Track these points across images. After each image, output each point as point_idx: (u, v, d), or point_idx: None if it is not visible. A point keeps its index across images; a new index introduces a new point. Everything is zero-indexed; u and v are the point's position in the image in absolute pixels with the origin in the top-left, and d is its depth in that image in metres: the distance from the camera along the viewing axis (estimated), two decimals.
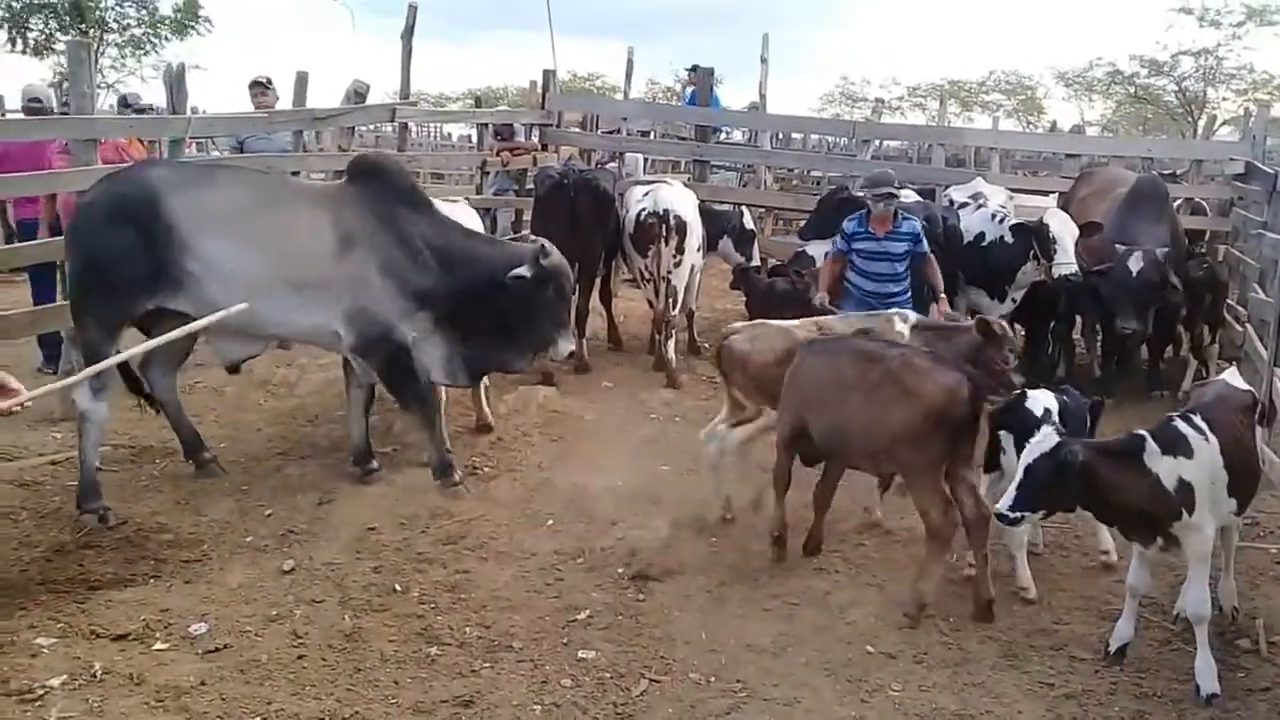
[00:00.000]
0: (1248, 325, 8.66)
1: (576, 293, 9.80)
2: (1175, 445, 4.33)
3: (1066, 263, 8.27)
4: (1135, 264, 8.32)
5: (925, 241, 7.77)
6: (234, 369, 7.05)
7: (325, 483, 6.58)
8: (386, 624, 4.91)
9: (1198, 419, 4.44)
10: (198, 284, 5.97)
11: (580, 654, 4.71)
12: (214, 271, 5.96)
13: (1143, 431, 4.38)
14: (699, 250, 10.02)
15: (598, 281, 10.15)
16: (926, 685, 4.48)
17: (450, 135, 30.23)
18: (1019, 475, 4.35)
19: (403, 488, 6.56)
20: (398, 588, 5.24)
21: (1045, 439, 4.33)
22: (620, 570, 5.58)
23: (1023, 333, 9.90)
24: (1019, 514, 4.35)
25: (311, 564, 5.47)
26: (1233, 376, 5.06)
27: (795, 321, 6.47)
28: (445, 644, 4.75)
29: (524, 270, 6.42)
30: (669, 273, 9.37)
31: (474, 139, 16.66)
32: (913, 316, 6.46)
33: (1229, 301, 9.71)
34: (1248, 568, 5.64)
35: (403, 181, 6.72)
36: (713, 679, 4.54)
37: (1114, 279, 8.39)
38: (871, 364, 5.23)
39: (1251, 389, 4.83)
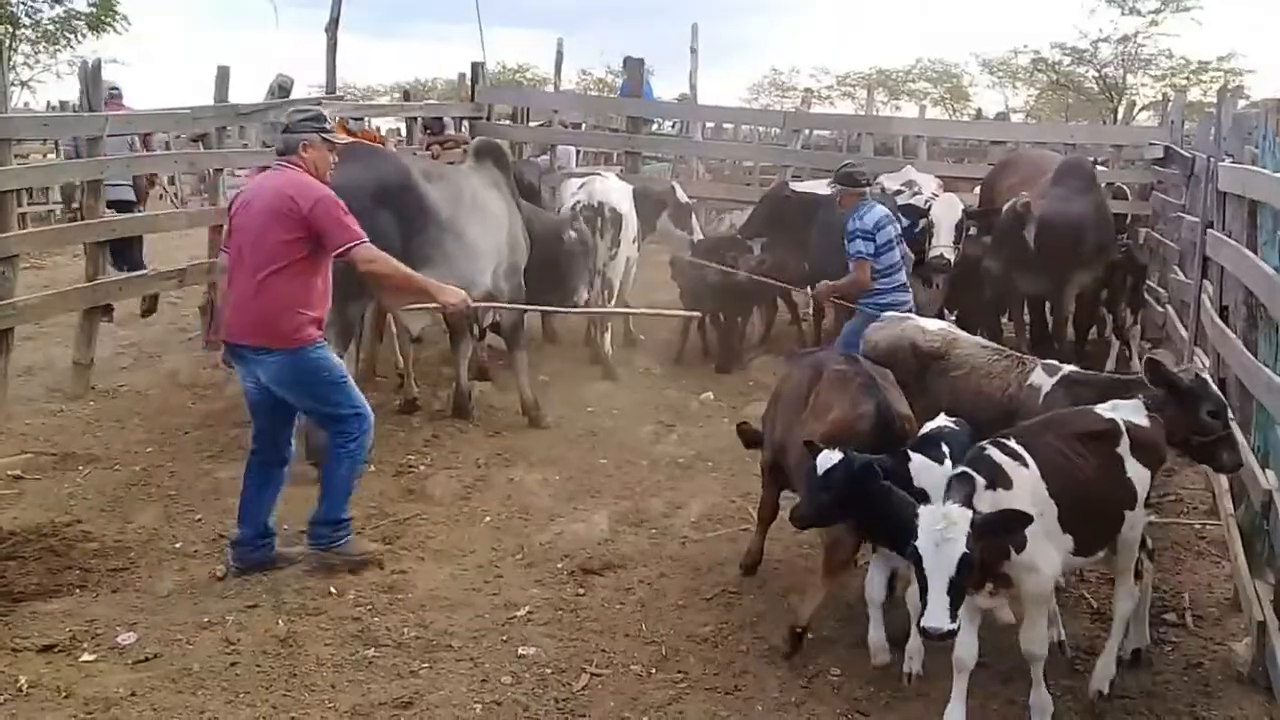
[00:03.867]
0: (1168, 307, 8.89)
1: None
2: (992, 476, 3.81)
3: (940, 245, 8.35)
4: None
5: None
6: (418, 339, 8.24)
7: None
8: (322, 627, 4.83)
9: (1013, 444, 3.97)
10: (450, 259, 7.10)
11: (521, 651, 4.68)
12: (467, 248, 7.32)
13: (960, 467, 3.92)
14: (635, 242, 10.01)
15: None
16: (866, 669, 4.52)
17: (379, 129, 29.82)
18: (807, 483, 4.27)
19: None
20: (333, 590, 5.16)
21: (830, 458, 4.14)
22: (560, 565, 5.56)
23: (953, 319, 10.08)
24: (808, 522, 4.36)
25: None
26: (1114, 407, 4.38)
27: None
28: (383, 645, 4.68)
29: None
30: (604, 266, 9.35)
31: (403, 133, 16.42)
32: (1066, 368, 5.17)
33: (1149, 284, 9.96)
34: (1173, 543, 5.79)
35: (509, 160, 8.67)
36: (654, 671, 4.54)
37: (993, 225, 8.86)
38: (814, 380, 4.98)
39: (1114, 419, 4.22)
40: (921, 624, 3.52)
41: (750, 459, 7.09)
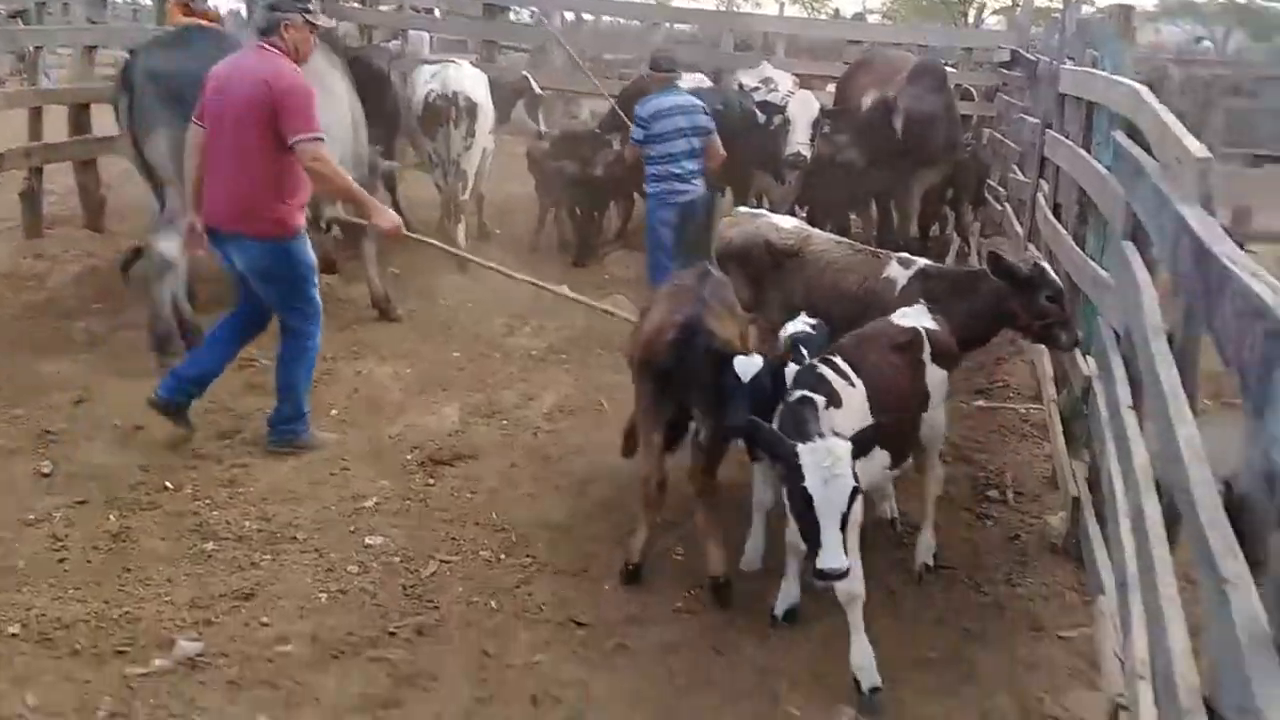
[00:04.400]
0: (1006, 205, 9.23)
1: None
2: (829, 396, 3.73)
3: (797, 142, 8.47)
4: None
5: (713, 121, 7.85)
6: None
7: (83, 380, 6.13)
8: (157, 522, 4.67)
9: (841, 362, 3.94)
10: None
11: (368, 540, 4.63)
12: None
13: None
14: (490, 132, 9.75)
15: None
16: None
17: (217, 9, 27.93)
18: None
19: None
20: (169, 485, 4.98)
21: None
22: (409, 457, 5.49)
23: (804, 215, 10.23)
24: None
25: (71, 465, 5.11)
26: (902, 315, 4.48)
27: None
28: (222, 539, 4.56)
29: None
30: (459, 156, 9.08)
31: (244, 14, 15.41)
32: (920, 262, 5.23)
33: (990, 183, 10.30)
34: (999, 425, 6.11)
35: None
36: (504, 556, 4.57)
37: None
38: (651, 300, 4.83)
39: (915, 327, 4.33)
40: (819, 566, 3.27)
41: (603, 351, 7.15)
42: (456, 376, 6.71)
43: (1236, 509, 2.24)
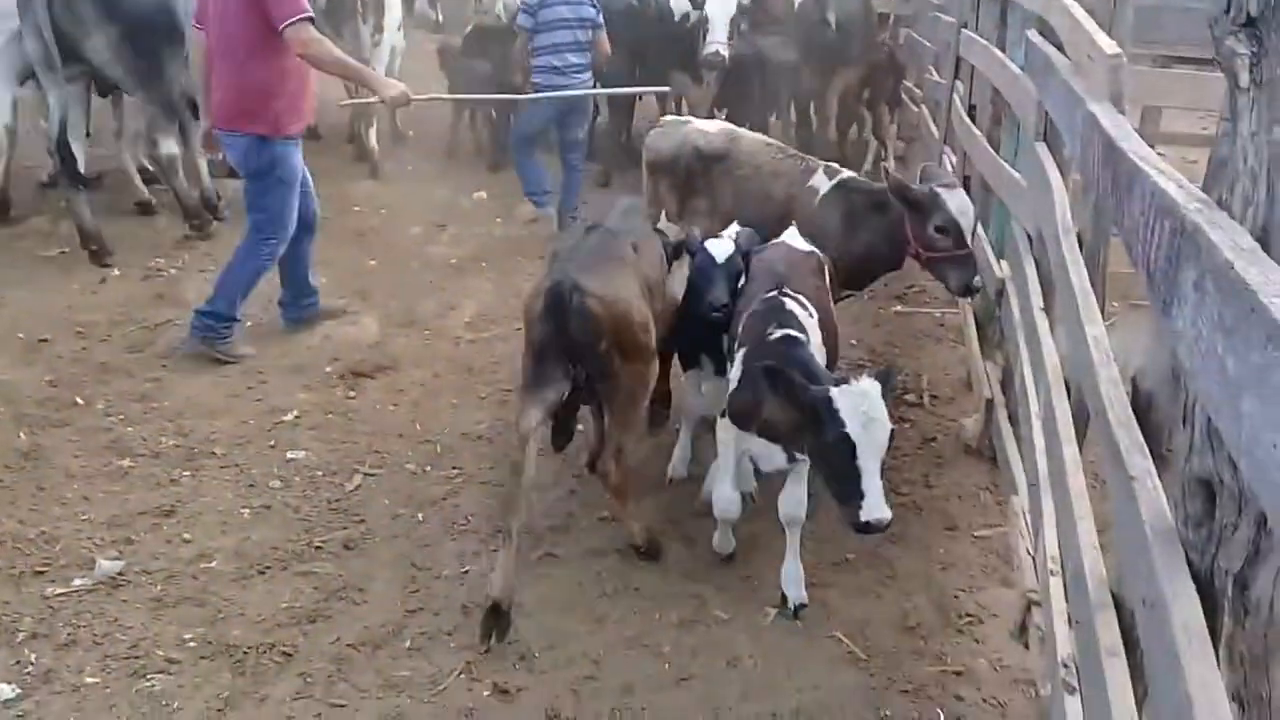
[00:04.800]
0: (923, 106, 9.26)
1: None
2: (802, 331, 3.61)
3: (715, 41, 8.40)
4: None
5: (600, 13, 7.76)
6: None
7: None
8: (70, 439, 4.55)
9: (798, 295, 3.76)
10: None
11: (289, 455, 4.59)
12: None
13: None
14: (399, 29, 9.43)
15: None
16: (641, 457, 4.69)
17: None
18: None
19: (78, 293, 5.99)
20: (79, 400, 4.85)
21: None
22: (329, 369, 5.42)
23: (722, 116, 10.16)
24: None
25: None
26: (792, 237, 4.38)
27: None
28: (139, 455, 4.48)
29: None
30: (368, 54, 8.76)
31: None
32: (845, 173, 5.10)
33: (906, 84, 10.30)
34: (916, 330, 6.23)
35: None
36: (429, 468, 4.56)
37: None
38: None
39: (815, 250, 4.30)
40: (866, 518, 3.04)
41: (523, 258, 7.08)
42: (374, 286, 6.59)
43: (1143, 407, 2.33)
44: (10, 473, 4.28)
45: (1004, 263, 4.95)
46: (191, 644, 3.43)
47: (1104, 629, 2.10)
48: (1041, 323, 3.62)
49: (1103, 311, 2.96)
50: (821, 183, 5.02)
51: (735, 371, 3.64)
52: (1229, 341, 1.32)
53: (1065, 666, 2.44)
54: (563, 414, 3.83)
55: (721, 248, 4.12)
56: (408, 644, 3.47)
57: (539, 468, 4.47)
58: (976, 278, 4.57)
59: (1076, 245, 3.23)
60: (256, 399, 5.05)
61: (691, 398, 4.46)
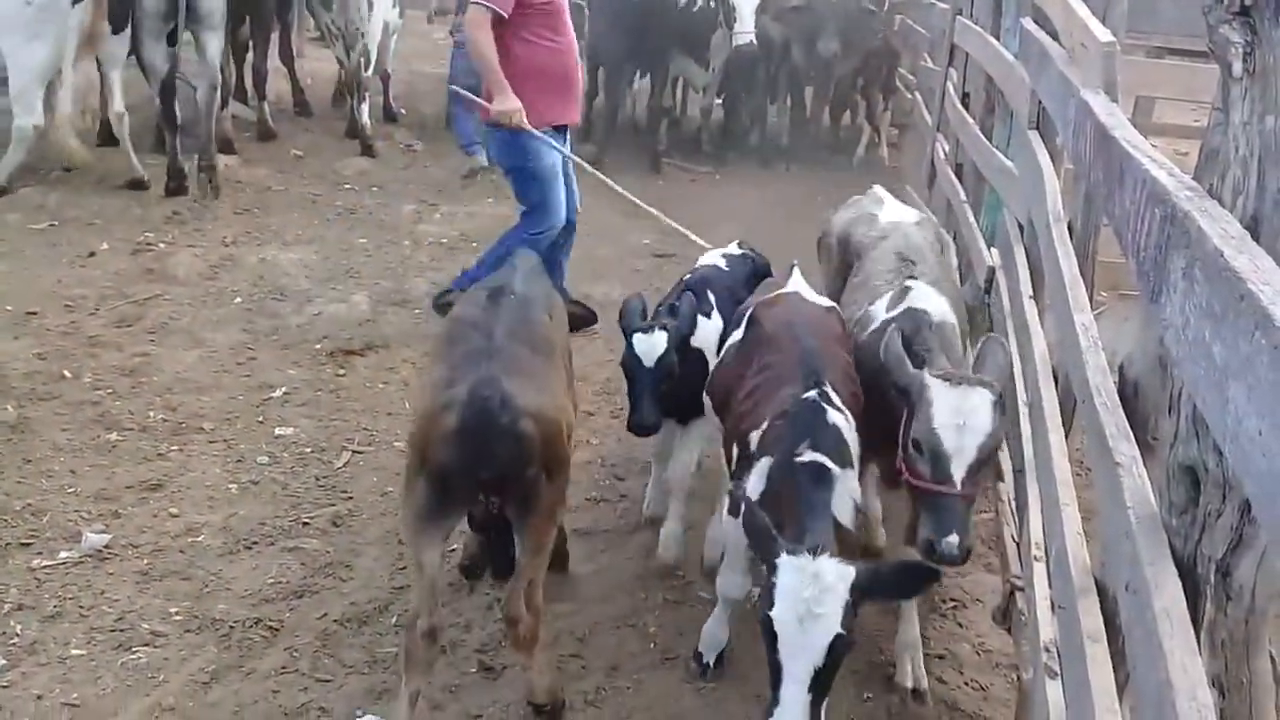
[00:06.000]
0: (916, 94, 9.25)
1: (252, 51, 9.01)
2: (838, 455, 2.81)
3: (744, 32, 8.41)
4: None
5: None
6: None
7: None
8: (57, 413, 4.53)
9: (830, 391, 2.94)
10: None
11: (278, 431, 4.58)
12: None
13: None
14: (393, 4, 9.37)
15: (275, 38, 9.32)
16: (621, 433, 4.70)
17: None
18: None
19: (66, 267, 5.96)
20: (67, 374, 4.83)
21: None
22: (318, 346, 5.40)
23: (719, 101, 10.15)
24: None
25: None
26: (800, 285, 3.63)
27: None
28: (126, 429, 4.46)
29: None
30: (359, 29, 8.71)
31: None
32: (919, 300, 3.46)
33: (901, 71, 10.30)
34: None
35: None
36: None
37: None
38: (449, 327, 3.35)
39: (834, 305, 3.66)
40: None
41: None
42: (364, 264, 6.57)
43: (1130, 395, 2.35)
44: None
45: (994, 250, 4.96)
46: (178, 617, 3.43)
47: (1086, 614, 2.11)
48: (1030, 311, 3.63)
49: (1091, 300, 2.97)
50: (879, 308, 3.55)
51: (755, 486, 2.81)
52: (1217, 329, 1.32)
53: (1047, 651, 2.45)
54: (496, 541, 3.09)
55: (651, 344, 3.51)
56: (394, 620, 3.47)
57: None
58: (950, 538, 2.69)
59: (1067, 233, 3.23)
60: (245, 375, 5.04)
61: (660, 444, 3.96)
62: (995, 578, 3.71)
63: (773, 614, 2.32)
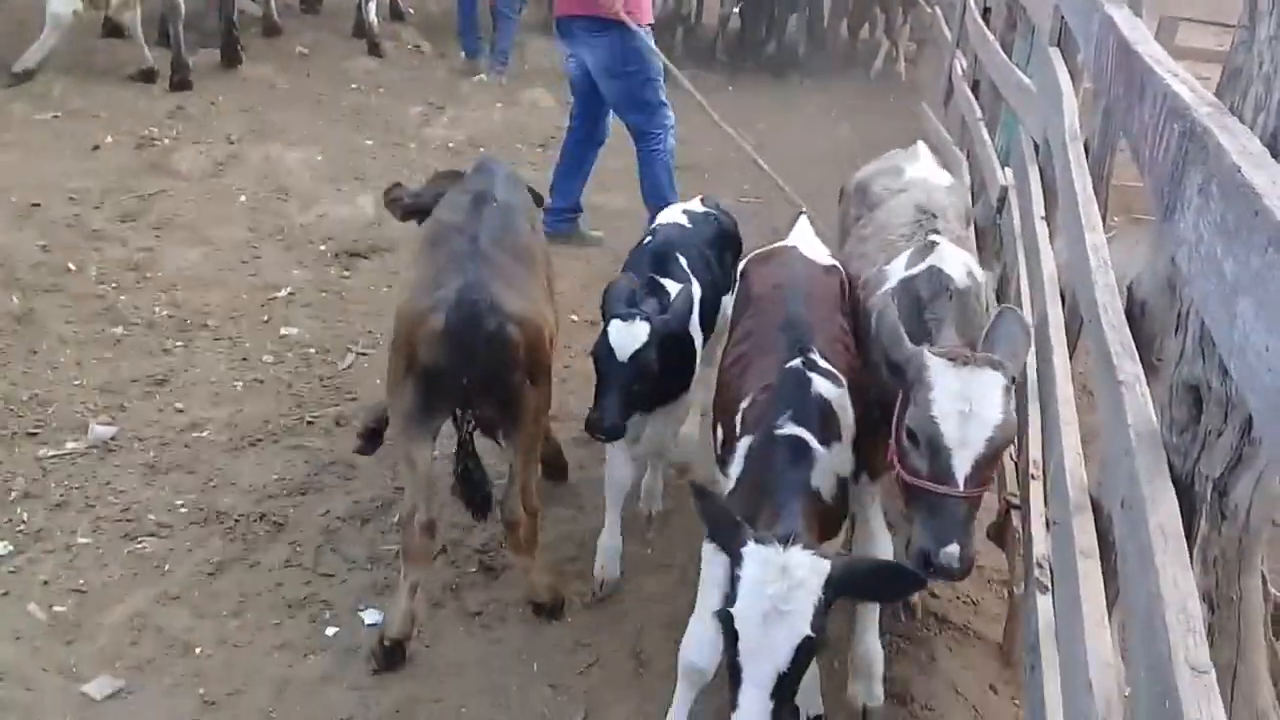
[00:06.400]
0: (936, 8, 9.06)
1: None
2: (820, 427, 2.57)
3: None
4: None
5: None
6: None
7: None
8: (63, 305, 4.54)
9: (817, 357, 2.68)
10: None
11: (283, 331, 4.59)
12: None
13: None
14: None
15: None
16: None
17: None
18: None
19: (71, 159, 5.91)
20: (72, 267, 4.82)
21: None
22: (323, 247, 5.39)
23: (738, 10, 9.94)
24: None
25: None
26: (805, 237, 3.38)
27: None
28: (131, 324, 4.47)
29: None
30: None
31: None
32: (944, 257, 2.92)
33: None
34: None
35: None
36: None
37: None
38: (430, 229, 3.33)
39: (837, 264, 3.26)
40: None
41: (524, 147, 7.00)
42: (370, 165, 6.51)
43: (1136, 315, 2.34)
44: (3, 336, 4.27)
45: (1008, 170, 4.90)
46: (183, 510, 3.48)
47: (1080, 531, 2.13)
48: (1041, 231, 3.60)
49: (1104, 222, 2.94)
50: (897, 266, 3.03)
51: (735, 469, 2.58)
52: (1229, 245, 1.31)
53: (1039, 566, 2.48)
54: (470, 465, 3.06)
55: (629, 335, 2.92)
56: (395, 519, 3.51)
57: None
58: (950, 548, 2.27)
59: (1083, 152, 3.19)
60: (250, 274, 5.03)
61: (615, 469, 3.31)
62: (990, 496, 3.74)
63: (734, 610, 2.08)
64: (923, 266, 2.83)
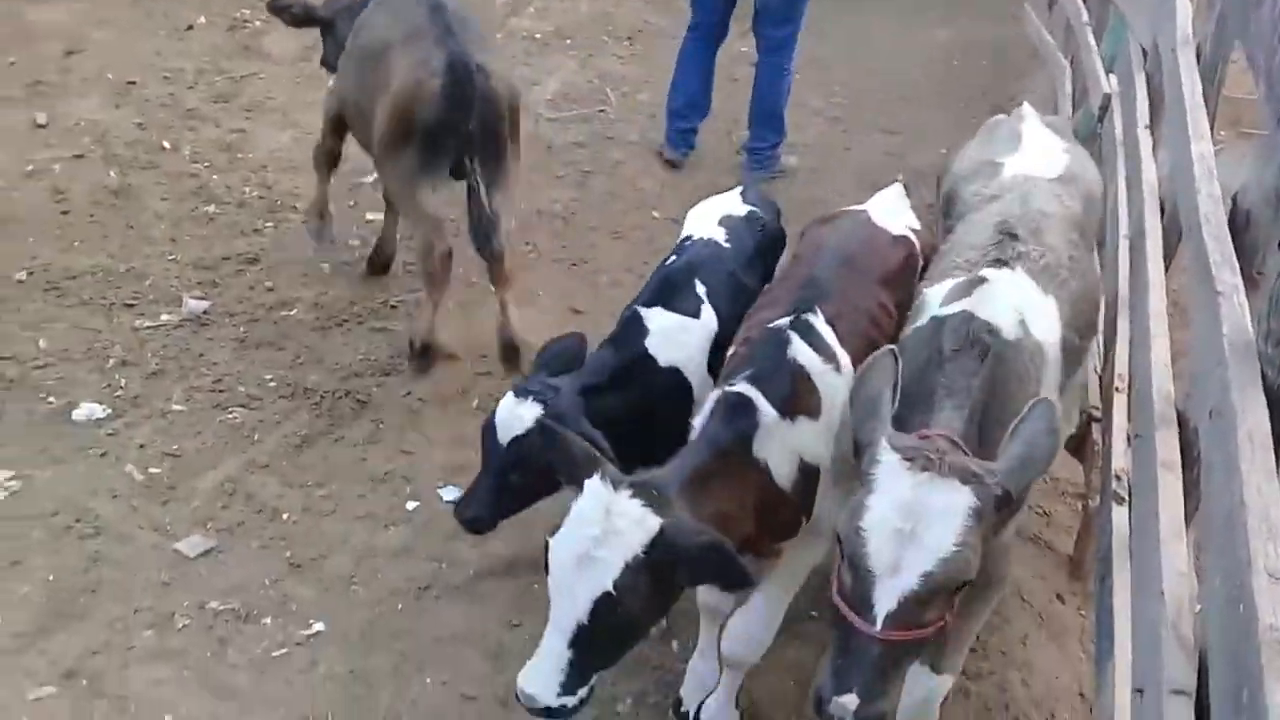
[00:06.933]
0: None
1: None
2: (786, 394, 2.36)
3: None
4: None
5: None
6: None
7: (74, 30, 5.86)
8: (157, 182, 4.66)
9: (818, 319, 2.45)
10: None
11: (369, 216, 4.66)
12: None
13: None
14: None
15: None
16: None
17: None
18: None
19: (164, 39, 5.98)
20: (166, 145, 4.92)
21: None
22: None
23: None
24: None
25: (67, 118, 5.01)
26: (883, 206, 3.02)
27: None
28: (224, 203, 4.58)
29: None
30: None
31: None
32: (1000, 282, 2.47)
33: None
34: None
35: None
36: None
37: None
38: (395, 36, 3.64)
39: (909, 234, 2.93)
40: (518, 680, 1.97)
41: (609, 39, 6.89)
42: None
43: (1240, 225, 2.27)
44: (101, 209, 4.40)
45: (1113, 77, 4.71)
46: (272, 383, 3.61)
47: (1164, 444, 2.11)
48: (1145, 141, 3.48)
49: (1212, 132, 2.83)
50: (936, 295, 2.48)
51: (698, 420, 2.32)
52: None
53: (1118, 479, 2.47)
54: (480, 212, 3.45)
55: (512, 415, 2.50)
56: (475, 403, 3.61)
57: (611, 250, 4.49)
58: (845, 698, 1.79)
59: (1194, 58, 3.05)
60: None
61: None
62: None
63: (551, 541, 1.93)
64: (955, 308, 2.28)
